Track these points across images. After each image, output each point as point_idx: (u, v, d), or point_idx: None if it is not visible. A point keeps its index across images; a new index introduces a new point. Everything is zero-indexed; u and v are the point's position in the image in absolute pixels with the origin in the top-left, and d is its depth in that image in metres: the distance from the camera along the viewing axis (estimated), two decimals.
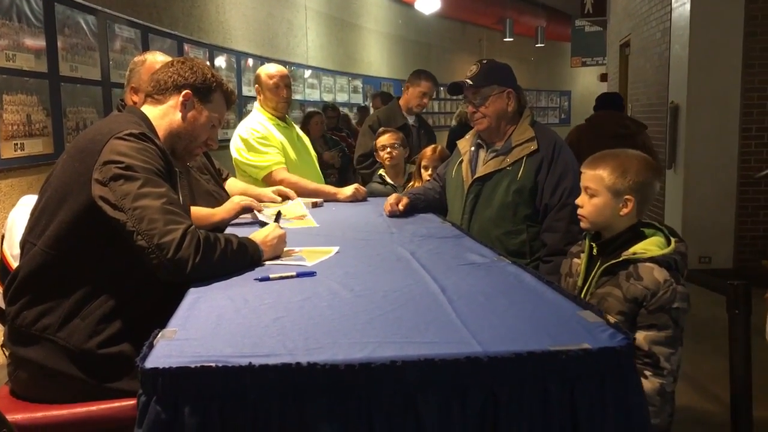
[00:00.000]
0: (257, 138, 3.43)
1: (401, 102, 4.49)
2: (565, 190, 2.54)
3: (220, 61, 7.18)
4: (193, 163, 2.80)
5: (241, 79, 7.68)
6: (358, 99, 11.72)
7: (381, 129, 3.90)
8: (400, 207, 2.86)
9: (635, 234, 1.96)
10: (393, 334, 1.31)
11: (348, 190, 3.38)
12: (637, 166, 1.94)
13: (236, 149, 3.48)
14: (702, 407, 3.36)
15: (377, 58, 13.04)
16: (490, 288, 1.66)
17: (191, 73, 1.98)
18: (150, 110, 1.98)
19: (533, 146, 2.61)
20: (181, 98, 1.96)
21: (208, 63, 2.03)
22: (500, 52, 16.60)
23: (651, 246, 1.90)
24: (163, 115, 1.97)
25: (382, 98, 7.93)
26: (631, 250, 1.90)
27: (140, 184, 1.71)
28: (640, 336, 1.83)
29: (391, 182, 3.72)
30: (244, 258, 1.87)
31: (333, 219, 2.83)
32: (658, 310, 1.82)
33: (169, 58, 2.70)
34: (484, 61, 2.75)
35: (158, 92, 1.99)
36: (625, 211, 1.94)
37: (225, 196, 2.89)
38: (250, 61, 7.91)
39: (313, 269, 1.84)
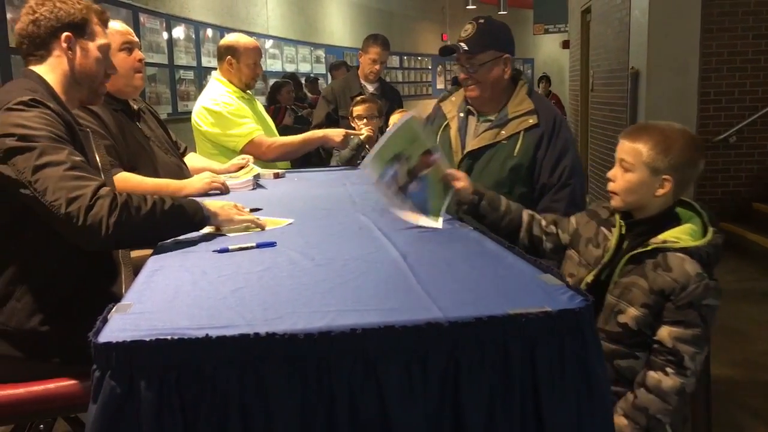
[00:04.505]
0: (231, 111, 3.35)
1: (359, 71, 4.45)
2: (565, 169, 2.36)
3: (178, 32, 7.02)
4: (149, 133, 2.74)
5: (200, 50, 7.52)
6: (321, 69, 11.58)
7: (360, 98, 3.82)
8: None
9: (670, 218, 1.81)
10: (353, 302, 1.30)
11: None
12: (682, 143, 1.75)
13: (204, 123, 3.37)
14: None
15: (339, 27, 12.88)
16: (452, 254, 1.66)
17: (58, 11, 1.82)
18: (39, 69, 1.84)
19: (532, 120, 2.39)
20: (63, 44, 1.83)
21: None
22: (463, 19, 16.51)
23: (683, 234, 1.74)
24: (53, 68, 1.84)
25: (347, 68, 7.88)
26: (661, 237, 1.75)
27: (38, 153, 1.62)
28: (664, 332, 1.70)
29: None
30: (180, 219, 1.77)
31: (295, 189, 2.81)
32: (687, 306, 1.68)
33: (126, 27, 2.63)
34: (481, 21, 2.43)
35: (36, 47, 1.84)
36: (661, 191, 1.77)
37: (185, 168, 2.84)
38: (209, 32, 7.74)
39: (272, 239, 1.81)
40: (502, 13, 17.01)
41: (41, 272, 1.72)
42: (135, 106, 2.71)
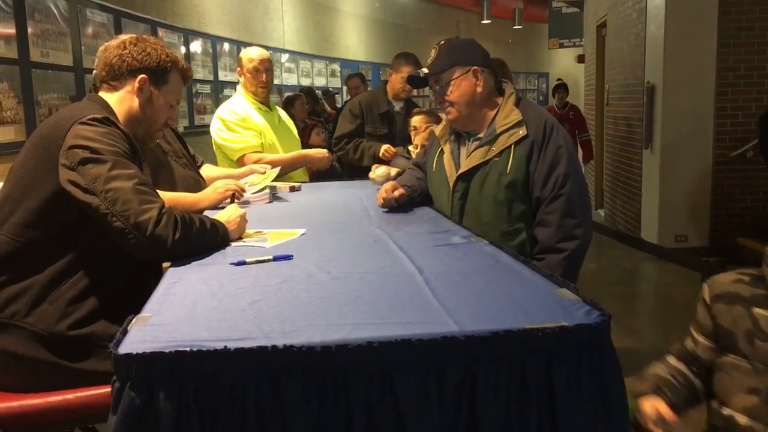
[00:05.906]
0: (236, 120, 3.48)
1: (388, 87, 4.32)
2: (558, 179, 2.24)
3: (196, 46, 7.09)
4: (167, 148, 2.77)
5: (217, 64, 7.59)
6: (336, 83, 11.65)
7: (415, 110, 3.78)
8: (396, 194, 2.48)
9: None
10: (370, 316, 1.30)
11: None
12: None
13: (215, 130, 3.53)
14: None
15: (354, 42, 12.96)
16: (468, 268, 1.66)
17: (145, 56, 1.96)
18: (107, 96, 1.96)
19: (522, 131, 2.27)
20: (137, 83, 1.95)
21: (160, 42, 2.04)
22: (478, 34, 16.57)
23: None
24: (121, 101, 1.97)
25: (361, 78, 7.88)
26: None
27: (109, 166, 1.72)
28: None
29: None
30: (216, 237, 1.91)
31: (311, 202, 2.82)
32: None
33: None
34: (442, 42, 2.41)
35: (113, 78, 1.96)
36: None
37: (203, 182, 2.87)
38: (226, 46, 7.82)
39: (288, 252, 1.83)
40: (517, 27, 17.08)
41: (80, 279, 1.77)
42: None
